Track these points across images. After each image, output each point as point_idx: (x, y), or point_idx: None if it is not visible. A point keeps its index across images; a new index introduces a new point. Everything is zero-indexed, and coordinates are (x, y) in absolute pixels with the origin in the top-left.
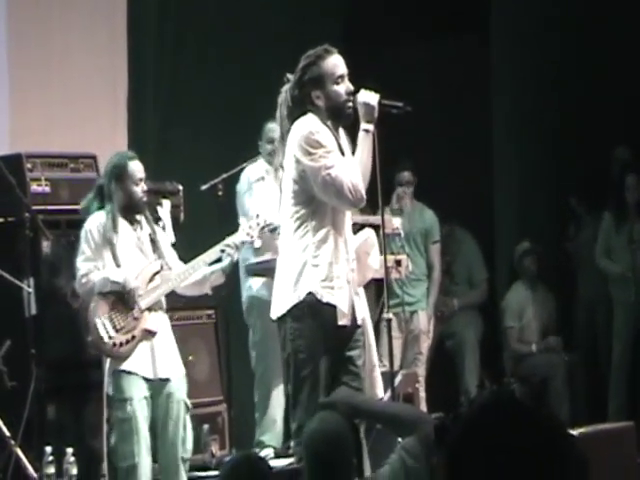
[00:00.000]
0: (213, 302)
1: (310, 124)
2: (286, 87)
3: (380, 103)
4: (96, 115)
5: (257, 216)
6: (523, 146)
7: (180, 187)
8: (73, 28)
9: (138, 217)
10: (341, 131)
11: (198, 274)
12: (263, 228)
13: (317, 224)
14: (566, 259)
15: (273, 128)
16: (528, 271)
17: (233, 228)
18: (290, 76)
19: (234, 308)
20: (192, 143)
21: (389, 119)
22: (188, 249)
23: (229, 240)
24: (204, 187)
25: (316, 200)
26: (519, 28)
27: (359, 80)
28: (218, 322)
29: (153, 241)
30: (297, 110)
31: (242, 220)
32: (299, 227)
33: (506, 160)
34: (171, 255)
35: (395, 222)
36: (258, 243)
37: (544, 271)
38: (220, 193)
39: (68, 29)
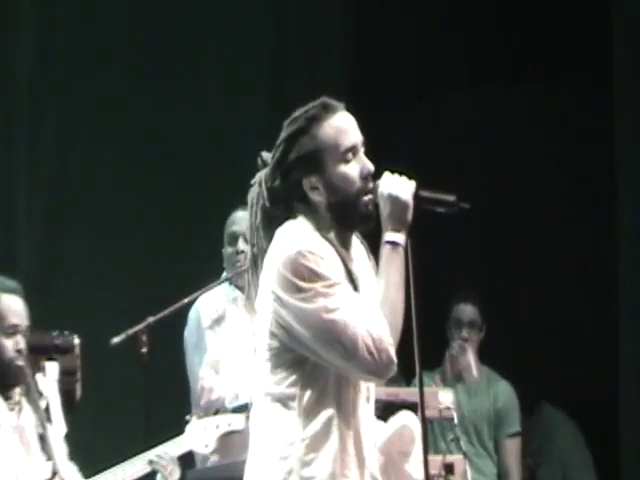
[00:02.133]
0: None
1: (299, 239)
2: (261, 174)
3: (418, 196)
4: None
5: (216, 412)
6: None
7: (76, 341)
8: None
9: (14, 393)
10: (355, 241)
11: None
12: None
13: (310, 405)
14: None
15: (237, 220)
16: None
17: (167, 409)
18: (267, 155)
19: None
20: (96, 267)
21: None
22: (87, 451)
23: (165, 448)
24: (116, 340)
25: (309, 364)
26: None
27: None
28: None
29: (41, 437)
30: (279, 213)
31: (194, 420)
32: (279, 410)
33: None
34: (62, 458)
35: (444, 398)
36: (211, 447)
37: None
38: (144, 350)
39: None
